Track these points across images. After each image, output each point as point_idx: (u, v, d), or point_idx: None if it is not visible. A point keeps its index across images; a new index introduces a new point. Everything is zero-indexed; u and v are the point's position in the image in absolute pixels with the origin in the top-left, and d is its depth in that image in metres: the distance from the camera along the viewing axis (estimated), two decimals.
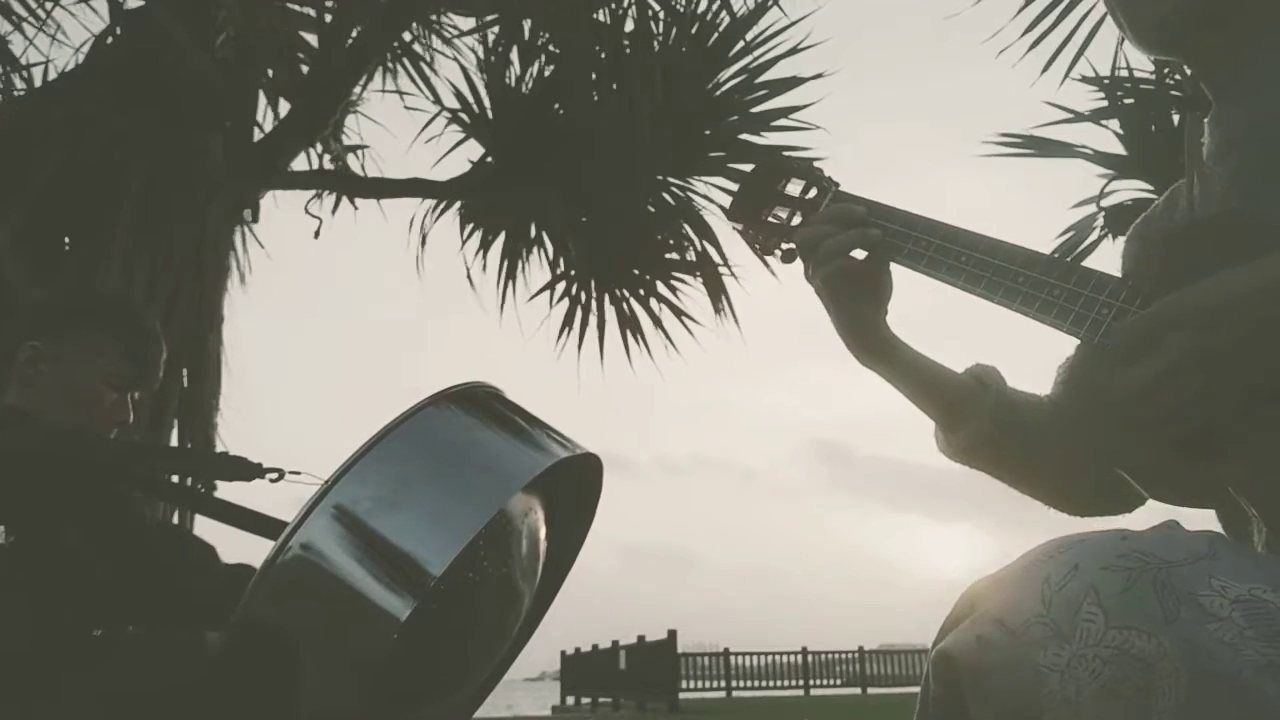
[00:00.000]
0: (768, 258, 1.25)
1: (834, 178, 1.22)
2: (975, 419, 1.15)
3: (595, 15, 4.57)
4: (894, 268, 1.14)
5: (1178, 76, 4.70)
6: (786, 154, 1.27)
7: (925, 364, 1.18)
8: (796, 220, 1.22)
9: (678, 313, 5.16)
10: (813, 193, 1.22)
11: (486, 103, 4.88)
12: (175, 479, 1.83)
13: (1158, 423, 0.85)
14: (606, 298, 5.20)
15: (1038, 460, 1.15)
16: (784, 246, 1.22)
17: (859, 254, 1.13)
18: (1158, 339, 0.85)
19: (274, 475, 1.50)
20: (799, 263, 1.19)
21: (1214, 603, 0.68)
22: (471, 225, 5.20)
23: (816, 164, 1.25)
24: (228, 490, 1.60)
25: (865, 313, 1.15)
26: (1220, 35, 1.01)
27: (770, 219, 1.24)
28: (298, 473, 1.45)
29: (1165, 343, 0.84)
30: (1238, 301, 0.82)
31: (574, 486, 1.44)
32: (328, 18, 4.29)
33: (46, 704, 1.26)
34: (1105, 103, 4.89)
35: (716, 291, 5.04)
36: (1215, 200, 1.00)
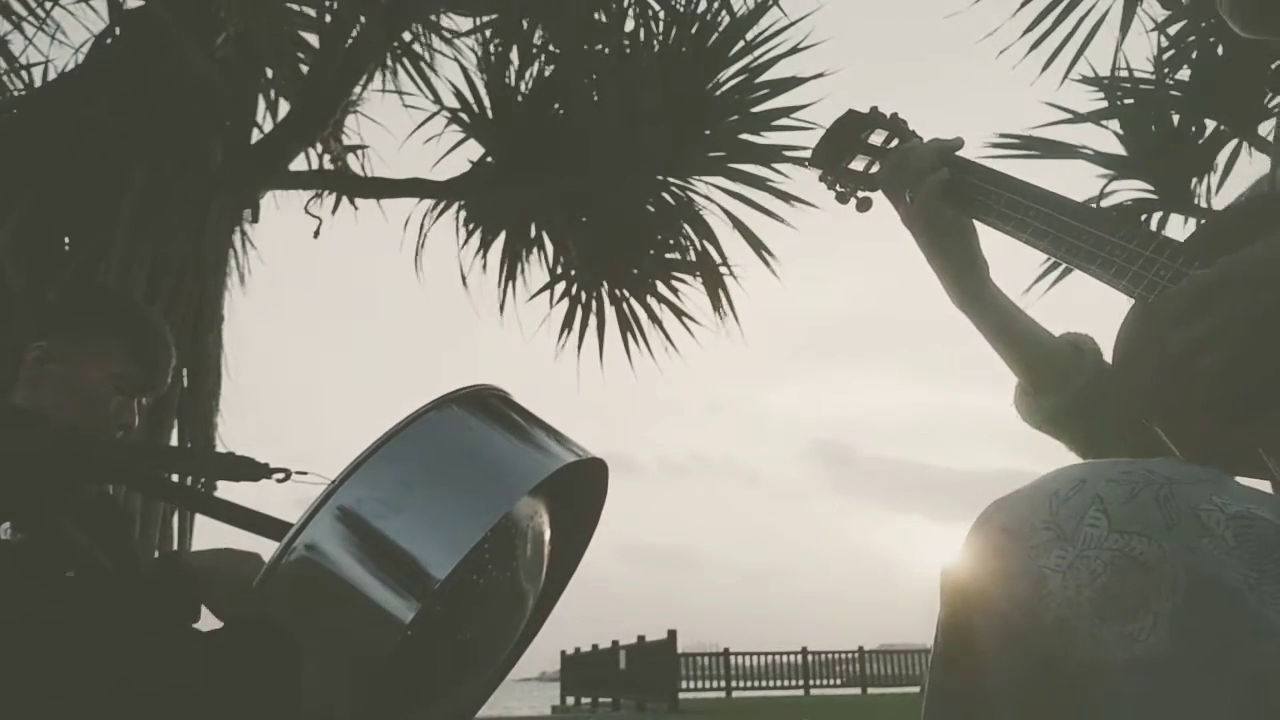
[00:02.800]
0: (844, 204, 1.24)
1: (917, 130, 1.22)
2: (1068, 386, 1.13)
3: (595, 15, 4.56)
4: None
5: (1177, 77, 4.71)
6: (872, 107, 1.27)
7: (1020, 317, 1.16)
8: (875, 170, 1.22)
9: (678, 313, 5.17)
10: (895, 143, 1.22)
11: (486, 103, 4.87)
12: (180, 479, 1.82)
13: (1205, 381, 0.84)
14: (606, 298, 5.20)
15: (1126, 439, 1.10)
16: (860, 194, 1.22)
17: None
18: (1210, 297, 0.85)
19: (280, 475, 1.49)
20: (868, 215, 1.20)
21: (1211, 518, 0.70)
22: (471, 225, 5.20)
23: (902, 117, 1.25)
24: (232, 490, 1.60)
25: (957, 244, 1.14)
26: None
27: (850, 167, 1.24)
28: (304, 473, 1.45)
29: (1217, 301, 0.84)
30: None
31: (579, 490, 1.43)
32: (328, 18, 4.28)
33: (47, 703, 1.25)
34: (1105, 103, 4.89)
35: (716, 291, 5.04)
36: None
